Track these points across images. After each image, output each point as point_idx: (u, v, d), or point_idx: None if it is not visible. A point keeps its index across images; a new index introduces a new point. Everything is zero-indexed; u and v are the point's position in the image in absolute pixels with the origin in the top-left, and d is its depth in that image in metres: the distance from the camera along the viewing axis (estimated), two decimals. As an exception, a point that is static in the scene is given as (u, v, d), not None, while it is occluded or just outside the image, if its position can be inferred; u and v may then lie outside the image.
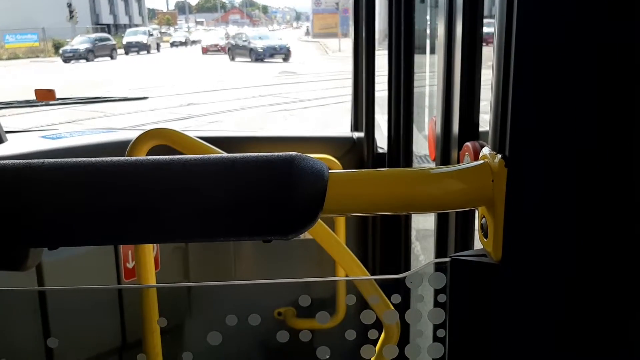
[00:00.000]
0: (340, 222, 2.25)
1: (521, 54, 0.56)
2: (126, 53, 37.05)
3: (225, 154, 0.60)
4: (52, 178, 0.58)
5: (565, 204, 0.58)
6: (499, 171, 0.59)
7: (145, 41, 38.25)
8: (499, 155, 0.60)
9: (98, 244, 0.62)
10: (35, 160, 0.59)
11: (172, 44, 47.28)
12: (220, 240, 0.61)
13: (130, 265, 2.22)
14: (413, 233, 2.27)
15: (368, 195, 0.63)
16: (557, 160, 0.57)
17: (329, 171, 0.61)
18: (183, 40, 48.74)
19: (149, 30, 40.68)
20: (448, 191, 0.63)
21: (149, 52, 37.75)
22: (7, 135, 2.30)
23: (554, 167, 0.57)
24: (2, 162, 0.59)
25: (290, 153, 0.59)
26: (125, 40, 38.60)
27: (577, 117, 0.57)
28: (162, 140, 1.63)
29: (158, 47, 40.78)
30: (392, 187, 0.63)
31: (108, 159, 0.59)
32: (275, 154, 0.59)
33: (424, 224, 2.54)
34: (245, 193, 0.57)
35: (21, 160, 0.59)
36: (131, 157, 0.61)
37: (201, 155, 0.60)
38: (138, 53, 37.15)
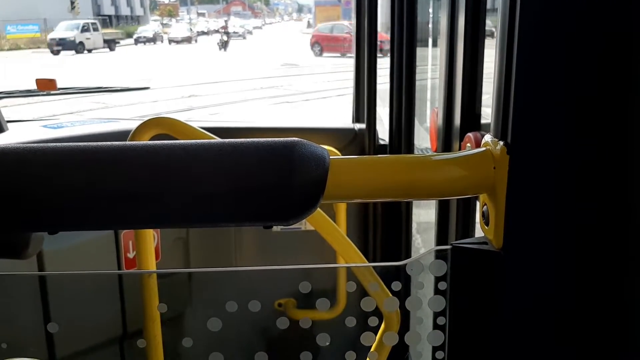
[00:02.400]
0: (341, 211, 2.25)
1: (524, 41, 0.56)
2: (53, 53, 27.84)
3: (226, 140, 0.60)
4: (53, 162, 0.58)
5: (567, 192, 0.58)
6: (501, 158, 0.59)
7: (72, 38, 27.80)
8: (501, 142, 0.59)
9: (98, 228, 0.62)
10: (36, 145, 0.59)
11: (137, 41, 36.26)
12: (221, 226, 0.61)
13: (131, 255, 2.22)
14: (414, 226, 2.28)
15: (369, 181, 0.63)
16: (559, 148, 0.57)
17: (331, 157, 0.61)
18: (150, 35, 37.34)
19: (85, 24, 29.06)
20: (449, 178, 0.63)
21: (78, 52, 27.64)
22: (8, 124, 2.30)
23: (556, 154, 0.57)
24: (2, 146, 0.59)
25: (292, 138, 0.59)
26: (50, 36, 29.09)
27: (579, 104, 0.57)
28: (163, 129, 1.63)
29: (111, 45, 30.49)
30: (394, 173, 0.63)
31: (109, 143, 0.59)
32: (277, 139, 0.59)
33: (424, 217, 2.54)
34: (246, 178, 0.57)
35: (21, 145, 0.59)
36: (132, 142, 0.61)
37: (202, 140, 0.60)
38: (78, 52, 27.40)
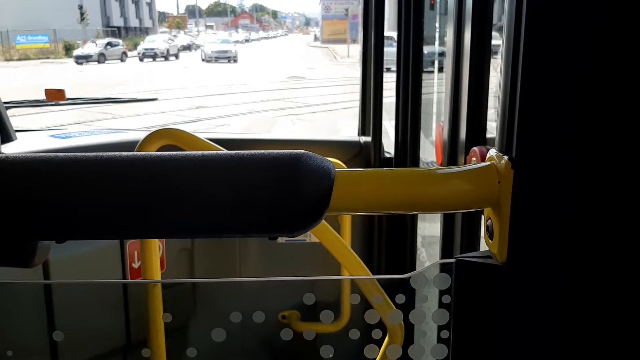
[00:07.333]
0: (346, 223, 2.25)
1: (529, 56, 0.56)
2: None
3: (233, 151, 0.61)
4: (61, 171, 0.59)
5: (571, 206, 0.58)
6: (506, 173, 0.60)
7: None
8: (506, 157, 0.60)
9: (105, 237, 0.63)
10: (45, 154, 0.60)
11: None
12: (227, 237, 0.62)
13: (136, 265, 2.23)
14: (419, 239, 2.27)
15: (374, 194, 0.63)
16: (563, 163, 0.58)
17: (336, 170, 0.61)
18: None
19: None
20: (454, 191, 0.64)
21: None
22: (17, 134, 2.32)
23: (560, 169, 0.58)
24: (12, 155, 0.60)
25: (298, 151, 0.60)
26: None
27: (583, 119, 0.57)
28: (170, 140, 1.64)
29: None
30: (399, 186, 0.63)
31: (117, 153, 0.60)
32: (283, 151, 0.60)
33: (429, 231, 2.54)
34: (252, 189, 0.58)
35: (30, 154, 0.60)
36: (140, 153, 0.62)
37: (209, 152, 0.60)
38: None
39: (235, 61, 32.16)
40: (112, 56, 32.90)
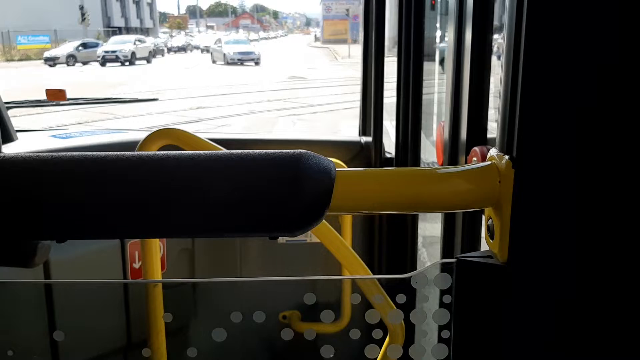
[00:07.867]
0: (347, 223, 2.25)
1: (530, 56, 0.56)
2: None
3: (233, 151, 0.61)
4: (62, 171, 0.59)
5: (572, 206, 0.58)
6: (506, 172, 0.60)
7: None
8: (507, 157, 0.60)
9: (105, 237, 0.63)
10: (46, 154, 0.60)
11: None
12: (227, 236, 0.62)
13: (136, 265, 2.23)
14: (420, 240, 2.27)
15: (375, 193, 0.63)
16: (564, 162, 0.57)
17: (337, 169, 0.61)
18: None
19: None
20: (455, 191, 0.63)
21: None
22: (17, 134, 2.32)
23: (561, 169, 0.58)
24: (12, 155, 0.60)
25: (299, 150, 0.60)
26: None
27: (584, 119, 0.57)
28: (171, 140, 1.64)
29: None
30: (399, 185, 0.63)
31: (118, 153, 0.60)
32: (284, 151, 0.60)
33: (430, 231, 2.53)
34: (252, 189, 0.58)
35: (31, 154, 0.60)
36: (140, 152, 0.62)
37: (209, 151, 0.60)
38: None
39: (257, 63, 29.90)
40: (87, 58, 30.34)
